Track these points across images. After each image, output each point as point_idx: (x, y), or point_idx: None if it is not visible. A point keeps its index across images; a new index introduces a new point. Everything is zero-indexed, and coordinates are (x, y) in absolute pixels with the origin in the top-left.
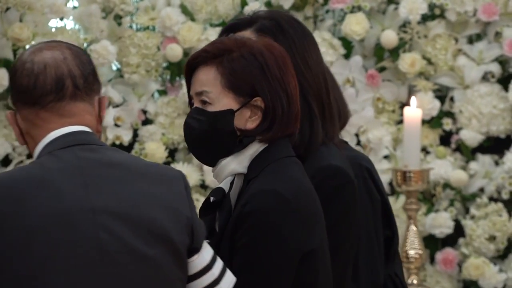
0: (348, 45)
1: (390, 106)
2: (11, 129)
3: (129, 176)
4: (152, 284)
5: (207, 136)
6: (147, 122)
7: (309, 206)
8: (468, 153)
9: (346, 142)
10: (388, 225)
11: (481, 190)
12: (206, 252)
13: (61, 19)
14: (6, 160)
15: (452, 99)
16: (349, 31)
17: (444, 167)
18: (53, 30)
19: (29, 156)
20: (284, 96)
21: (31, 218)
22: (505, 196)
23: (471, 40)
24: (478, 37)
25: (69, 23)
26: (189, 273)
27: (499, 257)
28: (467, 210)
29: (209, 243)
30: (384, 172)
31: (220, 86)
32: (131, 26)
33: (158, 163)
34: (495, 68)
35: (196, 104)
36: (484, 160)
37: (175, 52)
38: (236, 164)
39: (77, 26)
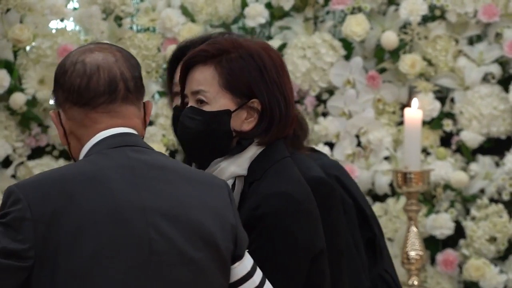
0: (348, 46)
1: (390, 107)
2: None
3: (178, 179)
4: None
5: (203, 136)
6: None
7: (315, 207)
8: (468, 154)
9: (314, 150)
10: (367, 227)
11: (482, 191)
12: (247, 260)
13: (62, 20)
14: (7, 161)
15: (452, 100)
16: (349, 32)
17: (445, 168)
18: (54, 31)
19: (30, 157)
20: (282, 98)
21: (82, 214)
22: (505, 197)
23: (471, 41)
24: (479, 38)
25: (70, 25)
26: (231, 280)
27: (500, 258)
28: (467, 211)
29: None
30: (385, 173)
31: (218, 86)
32: (131, 27)
33: (203, 170)
34: (496, 69)
35: (191, 103)
36: (485, 161)
37: None
38: (236, 166)
39: (77, 28)
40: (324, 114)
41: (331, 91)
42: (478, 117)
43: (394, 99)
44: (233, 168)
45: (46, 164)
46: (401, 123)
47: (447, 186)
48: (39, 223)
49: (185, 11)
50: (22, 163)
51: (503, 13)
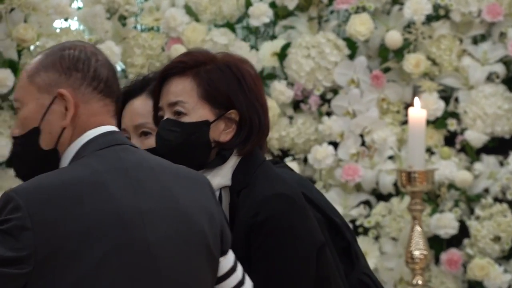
0: (352, 46)
1: (394, 107)
2: None
3: (168, 178)
4: None
5: (182, 148)
6: None
7: (306, 203)
8: (472, 153)
9: (277, 162)
10: (340, 237)
11: (486, 190)
12: (231, 254)
13: (66, 19)
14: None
15: (456, 99)
16: (353, 32)
17: (449, 168)
18: (58, 30)
19: None
20: (260, 108)
21: (86, 221)
22: (510, 196)
23: (475, 41)
24: (483, 37)
25: (74, 24)
26: (218, 275)
27: (504, 258)
28: (471, 211)
29: None
30: (389, 172)
31: (197, 97)
32: (135, 27)
33: (184, 166)
34: (500, 69)
35: (168, 115)
36: (489, 161)
37: (179, 52)
38: (220, 178)
39: (81, 27)
40: (328, 114)
41: (335, 90)
42: (482, 117)
43: (398, 98)
44: (218, 179)
45: None
46: (405, 122)
47: (451, 186)
48: (40, 231)
49: (189, 10)
50: None
51: (507, 13)
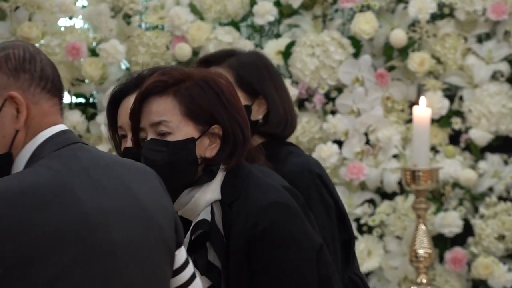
0: (357, 44)
1: (399, 105)
2: None
3: (124, 175)
4: (157, 287)
5: (170, 168)
6: None
7: (298, 207)
8: (477, 152)
9: (292, 144)
10: (344, 229)
11: (490, 189)
12: (183, 246)
13: (70, 18)
14: None
15: (461, 98)
16: (358, 30)
17: (453, 166)
18: (62, 29)
19: None
20: (242, 121)
21: (53, 224)
22: None
23: (480, 39)
24: (487, 36)
25: (78, 22)
26: (174, 268)
27: (508, 257)
28: (476, 209)
29: (214, 279)
30: (393, 171)
31: (180, 115)
32: (140, 25)
33: (130, 159)
34: (504, 67)
35: (151, 136)
36: (493, 159)
37: (184, 51)
38: (210, 193)
39: (86, 25)
40: (333, 112)
41: (339, 89)
42: (487, 115)
43: (403, 97)
44: (208, 195)
45: None
46: (409, 121)
47: (455, 184)
48: (7, 237)
49: (193, 9)
50: None
51: None
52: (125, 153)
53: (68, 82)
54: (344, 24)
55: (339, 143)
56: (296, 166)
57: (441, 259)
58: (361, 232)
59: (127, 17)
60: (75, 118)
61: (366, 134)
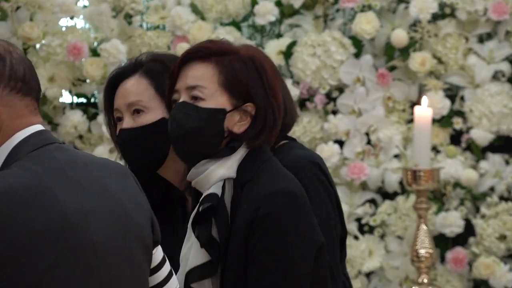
0: (358, 44)
1: (400, 105)
2: None
3: (102, 174)
4: (137, 286)
5: (196, 133)
6: None
7: (308, 202)
8: (478, 152)
9: (291, 139)
10: (341, 226)
11: (492, 189)
12: (160, 244)
13: (72, 18)
14: None
15: (462, 98)
16: (359, 30)
17: (455, 166)
18: (63, 29)
19: None
20: (276, 105)
21: (34, 226)
22: None
23: (481, 39)
24: (489, 36)
25: (79, 22)
26: (151, 266)
27: (510, 256)
28: (477, 209)
29: (213, 254)
30: (394, 171)
31: (217, 84)
32: (141, 25)
33: (104, 157)
34: (506, 67)
35: (184, 99)
36: (495, 159)
37: None
38: (225, 169)
39: (87, 25)
40: (334, 112)
41: (341, 89)
42: (488, 115)
43: (404, 97)
44: (222, 171)
45: None
46: (411, 121)
47: (456, 184)
48: None
49: (195, 9)
50: None
51: None
52: (120, 134)
53: (69, 82)
54: (345, 24)
55: (340, 143)
56: (299, 157)
57: (442, 259)
58: (362, 232)
59: (128, 17)
60: (76, 118)
61: (367, 134)
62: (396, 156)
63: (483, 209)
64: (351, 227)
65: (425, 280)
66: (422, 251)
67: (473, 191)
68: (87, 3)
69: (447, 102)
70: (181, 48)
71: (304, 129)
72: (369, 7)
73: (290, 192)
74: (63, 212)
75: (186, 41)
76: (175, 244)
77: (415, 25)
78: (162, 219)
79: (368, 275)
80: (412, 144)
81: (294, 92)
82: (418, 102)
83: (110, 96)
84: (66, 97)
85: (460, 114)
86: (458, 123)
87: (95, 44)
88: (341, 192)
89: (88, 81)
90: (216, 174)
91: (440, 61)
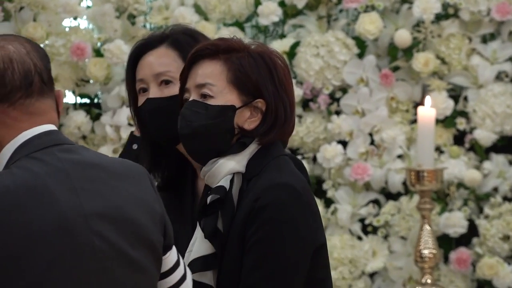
0: (361, 45)
1: (404, 106)
2: None
3: (109, 176)
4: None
5: (205, 131)
6: None
7: (315, 201)
8: (482, 152)
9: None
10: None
11: (495, 189)
12: (173, 248)
13: (75, 18)
14: None
15: (466, 98)
16: (362, 31)
17: (458, 167)
18: (67, 29)
19: None
20: (287, 101)
21: (31, 227)
22: None
23: (484, 40)
24: (492, 36)
25: (83, 23)
26: (162, 270)
27: None
28: (481, 210)
29: (217, 246)
30: (398, 171)
31: (226, 81)
32: (144, 26)
33: (121, 158)
34: (509, 68)
35: (194, 97)
36: (498, 160)
37: None
38: (235, 163)
39: (90, 26)
40: (338, 113)
41: (344, 89)
42: (492, 116)
43: (408, 97)
44: (232, 164)
45: None
46: (414, 121)
47: (460, 185)
48: None
49: (198, 9)
50: None
51: None
52: (146, 104)
53: (72, 82)
54: (348, 25)
55: (344, 144)
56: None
57: (445, 260)
58: (365, 232)
59: (131, 18)
60: (80, 119)
61: (370, 135)
62: (399, 156)
63: (487, 210)
64: (355, 227)
65: (429, 281)
66: (425, 252)
67: (476, 191)
68: (90, 4)
69: (450, 103)
70: None
71: (307, 129)
72: (373, 8)
73: (291, 186)
74: (62, 213)
75: None
76: (180, 227)
77: (418, 25)
78: (170, 200)
79: (372, 275)
80: (416, 145)
81: (298, 92)
82: (421, 103)
83: (133, 67)
84: (70, 98)
85: (464, 114)
86: (461, 124)
87: (99, 44)
88: (345, 192)
89: (91, 81)
90: (226, 168)
91: (443, 61)
